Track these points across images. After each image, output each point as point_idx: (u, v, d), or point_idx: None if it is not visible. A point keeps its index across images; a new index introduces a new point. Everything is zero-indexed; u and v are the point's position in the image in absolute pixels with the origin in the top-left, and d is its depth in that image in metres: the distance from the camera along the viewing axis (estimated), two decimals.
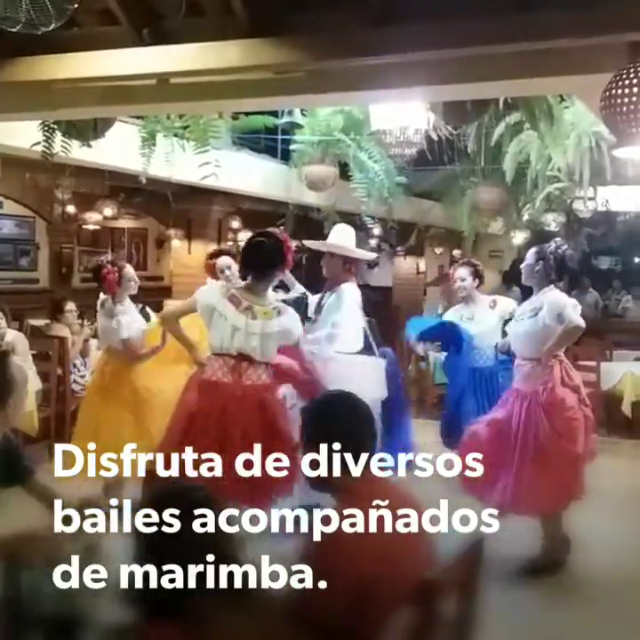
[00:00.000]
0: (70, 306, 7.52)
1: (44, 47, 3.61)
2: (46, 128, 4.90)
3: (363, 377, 4.75)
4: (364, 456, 2.15)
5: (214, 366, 4.18)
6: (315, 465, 2.15)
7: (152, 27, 3.58)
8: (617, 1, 2.85)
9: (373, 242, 12.06)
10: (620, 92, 2.40)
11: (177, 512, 1.89)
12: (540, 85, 3.78)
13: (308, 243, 5.57)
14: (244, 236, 11.78)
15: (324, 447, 2.13)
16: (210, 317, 4.16)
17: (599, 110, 2.59)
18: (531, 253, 4.67)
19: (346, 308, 5.03)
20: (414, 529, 2.11)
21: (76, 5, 3.01)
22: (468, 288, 5.88)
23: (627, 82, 2.39)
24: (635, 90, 2.36)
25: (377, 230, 10.96)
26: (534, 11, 2.96)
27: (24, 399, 2.85)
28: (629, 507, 5.90)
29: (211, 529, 1.88)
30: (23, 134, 5.25)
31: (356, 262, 5.27)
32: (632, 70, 2.41)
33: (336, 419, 2.17)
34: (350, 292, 5.08)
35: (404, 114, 5.60)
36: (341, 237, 5.25)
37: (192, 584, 1.83)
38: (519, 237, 11.37)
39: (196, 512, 1.89)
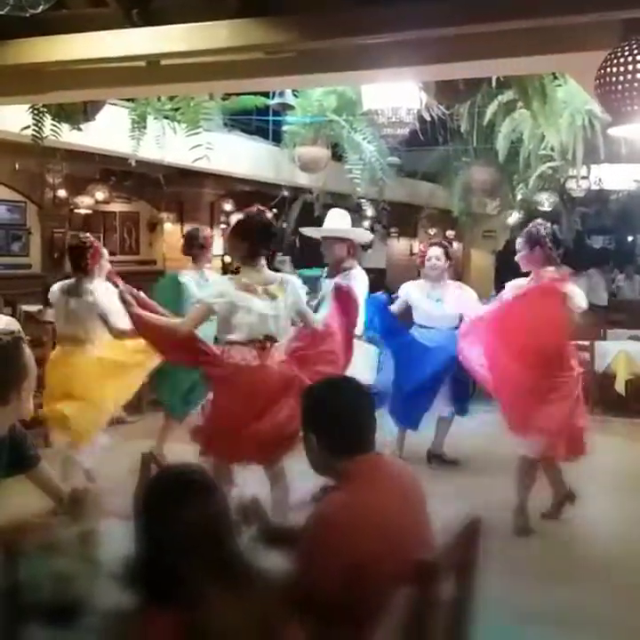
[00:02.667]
0: None
1: (32, 29, 3.56)
2: (36, 112, 4.85)
3: (356, 360, 4.79)
4: (363, 438, 2.16)
5: (243, 352, 4.21)
6: (314, 448, 2.17)
7: (141, 8, 3.53)
8: None
9: (366, 223, 12.03)
10: (614, 70, 2.38)
11: (175, 495, 1.89)
12: (533, 64, 3.74)
13: (305, 230, 5.58)
14: (236, 219, 11.76)
15: (323, 430, 2.15)
16: (231, 314, 4.21)
17: (594, 89, 2.57)
18: (522, 242, 4.93)
19: (360, 293, 5.10)
20: (412, 510, 2.12)
21: None
22: (439, 268, 6.11)
23: (622, 60, 2.37)
24: (629, 68, 2.34)
25: (370, 211, 10.93)
26: None
27: (33, 387, 2.84)
28: (624, 484, 5.94)
29: (208, 512, 1.88)
30: (12, 118, 5.20)
31: (355, 245, 5.33)
32: (627, 48, 2.39)
33: (336, 402, 2.17)
34: (362, 278, 5.25)
35: (396, 94, 5.56)
36: (338, 222, 5.29)
37: (190, 569, 1.83)
38: (513, 217, 11.36)
39: (194, 495, 1.89)
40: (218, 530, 1.88)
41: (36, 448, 2.90)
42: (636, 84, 2.33)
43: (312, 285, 5.24)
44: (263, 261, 4.35)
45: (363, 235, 5.63)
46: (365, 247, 10.49)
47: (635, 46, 2.38)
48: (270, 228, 4.41)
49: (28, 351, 2.82)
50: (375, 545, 1.96)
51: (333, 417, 2.16)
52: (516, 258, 5.07)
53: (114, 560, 1.99)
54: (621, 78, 2.35)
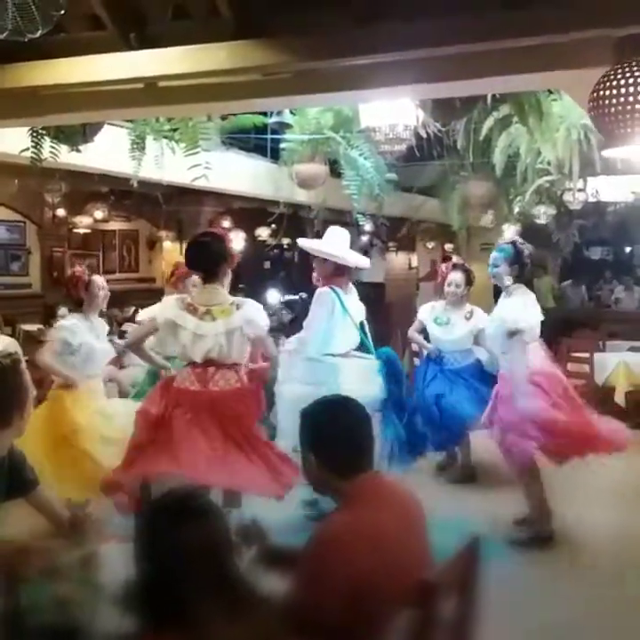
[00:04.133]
0: (63, 311, 7.50)
1: (31, 53, 3.60)
2: (35, 134, 4.88)
3: (353, 377, 4.77)
4: (362, 458, 2.16)
5: (183, 375, 4.26)
6: (313, 468, 2.17)
7: (139, 31, 3.57)
8: None
9: (365, 238, 12.06)
10: (607, 93, 2.40)
11: (175, 519, 1.90)
12: (528, 81, 3.78)
13: (302, 243, 5.57)
14: (235, 236, 11.81)
15: (322, 450, 2.15)
16: (173, 332, 4.22)
17: (588, 111, 2.60)
18: (500, 258, 5.07)
19: (315, 313, 5.10)
20: (412, 529, 2.12)
21: (63, 12, 3.01)
22: (458, 294, 6.23)
23: (614, 83, 2.40)
24: (622, 90, 2.36)
25: (368, 226, 10.97)
26: (520, 8, 2.96)
27: (31, 407, 2.85)
28: (626, 497, 5.93)
29: (208, 535, 1.88)
30: (11, 139, 5.23)
31: (348, 267, 5.28)
32: (620, 71, 2.41)
33: (334, 423, 2.18)
34: (323, 298, 5.11)
35: (392, 111, 5.60)
36: (336, 242, 5.27)
37: (190, 592, 1.83)
38: (510, 230, 11.39)
39: (194, 518, 1.90)
40: (218, 552, 1.89)
41: (34, 471, 2.90)
42: (628, 107, 2.35)
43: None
44: (219, 283, 4.31)
45: (355, 260, 5.38)
46: None
47: (627, 69, 2.41)
48: (220, 252, 4.35)
49: (27, 372, 2.83)
50: (376, 565, 1.96)
51: (332, 437, 2.15)
52: (493, 273, 5.19)
53: (115, 584, 2.00)
54: (614, 101, 2.38)
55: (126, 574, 1.94)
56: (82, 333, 4.76)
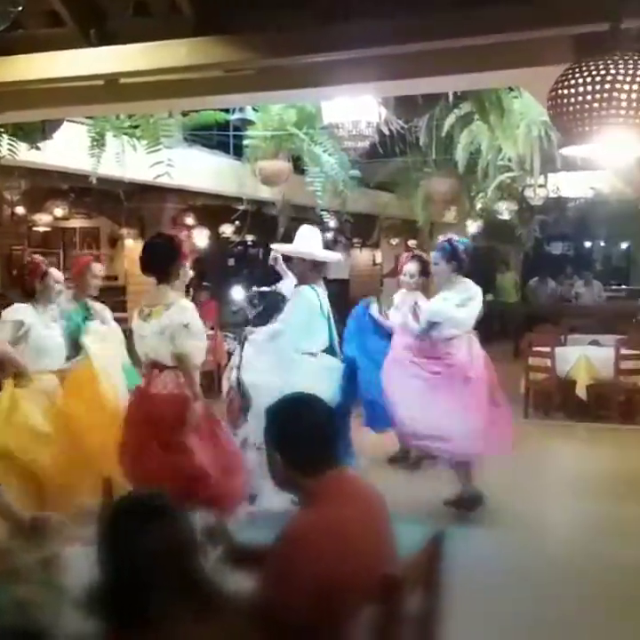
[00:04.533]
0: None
1: None
2: None
3: (315, 377, 4.78)
4: (327, 456, 2.16)
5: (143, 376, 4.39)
6: (279, 466, 2.16)
7: (99, 27, 3.54)
8: None
9: (329, 235, 12.06)
10: (565, 91, 2.43)
11: (138, 520, 1.89)
12: (488, 79, 3.82)
13: (277, 247, 5.59)
14: (199, 233, 11.75)
15: (287, 448, 2.15)
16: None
17: (547, 110, 2.63)
18: (438, 256, 5.44)
19: (296, 309, 5.13)
20: (376, 525, 2.14)
21: (20, 8, 2.97)
22: (411, 284, 6.25)
23: (572, 82, 2.42)
24: (580, 89, 2.39)
25: (332, 223, 10.98)
26: (476, 6, 2.99)
27: None
28: (586, 488, 6.03)
29: (172, 536, 1.87)
30: None
31: (323, 263, 5.33)
32: (577, 70, 2.44)
33: (299, 421, 2.17)
34: (305, 295, 5.16)
35: (355, 107, 5.61)
36: (309, 241, 5.31)
37: (155, 592, 1.82)
38: (473, 226, 11.49)
39: (157, 519, 1.89)
40: (182, 552, 1.88)
41: None
42: (586, 106, 2.38)
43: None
44: (168, 283, 4.31)
45: (333, 257, 5.57)
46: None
47: (585, 68, 2.44)
48: (167, 253, 4.37)
49: None
50: (342, 563, 1.97)
51: (297, 435, 2.15)
52: (433, 269, 5.63)
53: (78, 586, 1.98)
54: (573, 100, 2.40)
55: (89, 576, 1.92)
56: (32, 319, 4.60)
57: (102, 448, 4.41)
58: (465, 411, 5.16)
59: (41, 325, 4.66)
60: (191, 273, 4.51)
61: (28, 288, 4.72)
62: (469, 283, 5.50)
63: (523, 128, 6.21)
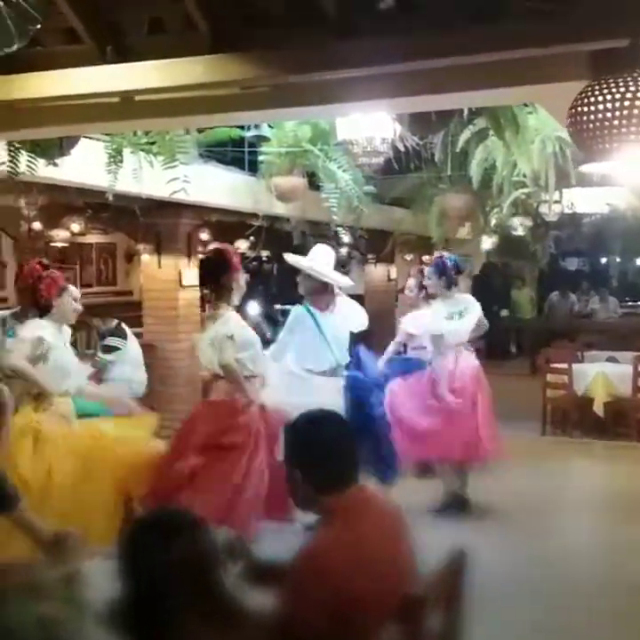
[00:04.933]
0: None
1: (6, 67, 3.57)
2: (11, 148, 4.84)
3: (318, 395, 4.77)
4: (348, 473, 2.14)
5: None
6: (297, 483, 2.14)
7: (115, 44, 3.56)
8: (572, 11, 2.88)
9: (343, 250, 12.08)
10: (585, 109, 2.42)
11: (160, 536, 1.88)
12: (504, 95, 3.81)
13: (288, 257, 5.60)
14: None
15: (308, 466, 2.12)
16: None
17: (566, 127, 2.62)
18: (431, 272, 5.95)
19: (285, 328, 5.28)
20: (397, 543, 2.11)
21: (39, 26, 3.00)
22: (413, 298, 6.69)
23: (592, 99, 2.42)
24: (600, 107, 2.38)
25: (347, 238, 11.00)
26: (492, 23, 2.99)
27: (9, 424, 2.81)
28: (603, 506, 5.97)
29: (193, 552, 1.87)
30: None
31: (330, 285, 5.35)
32: (597, 87, 2.43)
33: (319, 438, 2.15)
34: (294, 315, 5.26)
35: (369, 124, 5.64)
36: (320, 259, 5.34)
37: (177, 608, 1.81)
38: (487, 242, 11.47)
39: (180, 535, 1.89)
40: (204, 569, 1.87)
41: (15, 489, 2.86)
42: (606, 123, 2.37)
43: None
44: (219, 295, 4.49)
45: (341, 281, 5.55)
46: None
47: (605, 85, 2.43)
48: (216, 267, 4.51)
49: (6, 390, 2.79)
50: (362, 581, 1.95)
51: (317, 452, 2.12)
52: (426, 283, 6.09)
53: (100, 602, 1.97)
54: (592, 117, 2.40)
55: (111, 592, 1.92)
56: (53, 338, 4.31)
57: (121, 466, 4.15)
58: (451, 419, 5.56)
59: (60, 347, 4.37)
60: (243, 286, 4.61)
61: (44, 304, 4.41)
62: (463, 297, 6.03)
63: (537, 144, 6.21)
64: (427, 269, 6.05)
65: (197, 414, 4.43)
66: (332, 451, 2.12)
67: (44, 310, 4.42)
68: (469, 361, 5.81)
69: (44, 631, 1.93)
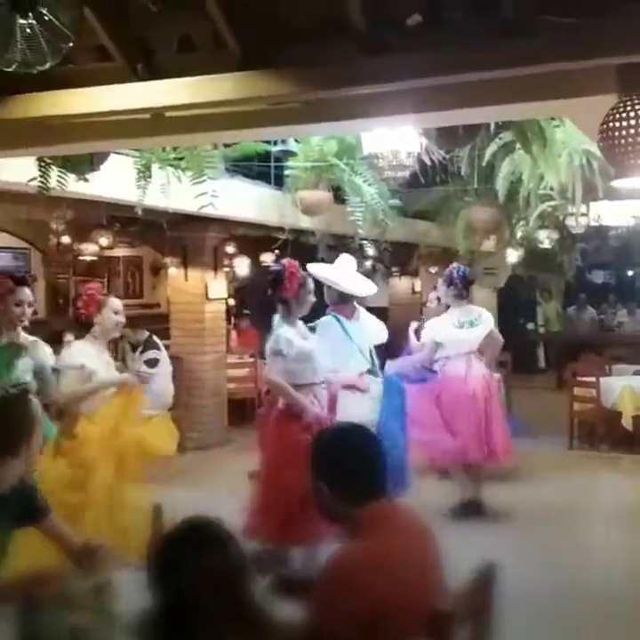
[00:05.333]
0: (69, 337, 7.48)
1: (39, 84, 3.63)
2: (42, 163, 4.92)
3: (349, 400, 4.83)
4: (375, 486, 2.14)
5: None
6: (325, 497, 2.15)
7: (146, 62, 3.61)
8: (601, 25, 2.89)
9: (368, 263, 12.09)
10: (617, 125, 2.43)
11: (191, 547, 1.90)
12: (531, 109, 3.81)
13: (311, 269, 5.63)
14: (240, 262, 11.84)
15: (335, 479, 2.13)
16: None
17: (597, 142, 2.62)
18: (440, 282, 6.35)
19: (318, 339, 5.18)
20: (425, 557, 2.11)
21: (71, 44, 3.05)
22: (433, 309, 7.13)
23: (624, 114, 2.43)
24: (632, 122, 2.39)
25: (371, 251, 11.01)
26: (521, 37, 2.99)
27: (41, 437, 2.84)
28: (631, 522, 5.90)
29: (224, 563, 1.88)
30: (18, 168, 5.27)
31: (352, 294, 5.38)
32: (629, 103, 2.44)
33: (347, 451, 2.15)
34: (324, 324, 5.29)
35: (395, 138, 5.65)
36: (341, 269, 5.41)
37: (207, 619, 1.83)
38: (513, 255, 11.44)
39: (210, 546, 1.90)
40: (234, 580, 1.88)
41: (45, 499, 2.90)
42: (638, 139, 2.38)
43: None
44: (278, 309, 4.72)
45: (367, 290, 5.66)
46: None
47: (637, 101, 2.43)
48: (273, 284, 4.67)
49: (36, 401, 2.83)
50: (390, 594, 1.95)
51: (344, 465, 2.13)
52: (439, 293, 6.50)
53: (130, 612, 1.99)
54: (624, 133, 2.41)
55: (141, 602, 1.93)
56: (94, 363, 4.17)
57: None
58: (462, 423, 5.83)
59: (102, 368, 4.24)
60: (303, 301, 4.73)
61: (85, 321, 4.25)
62: (477, 308, 6.28)
63: (565, 157, 6.20)
64: (440, 280, 6.41)
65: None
66: (357, 463, 2.12)
67: (85, 328, 4.28)
68: (479, 368, 6.08)
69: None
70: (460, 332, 6.04)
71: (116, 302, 4.39)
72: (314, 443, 2.23)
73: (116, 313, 4.33)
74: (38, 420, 2.74)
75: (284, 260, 4.83)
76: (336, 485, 2.12)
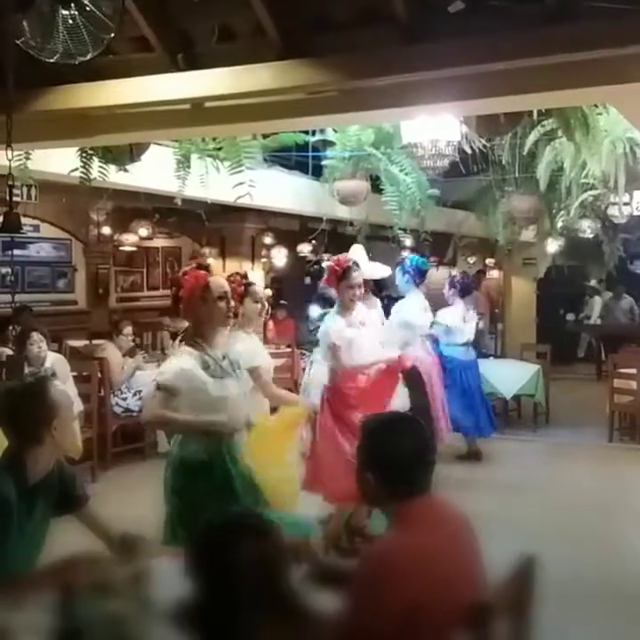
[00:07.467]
0: (128, 329, 7.55)
1: (80, 75, 3.66)
2: (84, 154, 4.96)
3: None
4: (421, 479, 2.11)
5: None
6: (371, 486, 2.12)
7: (186, 52, 3.63)
8: None
9: (405, 253, 12.02)
10: None
11: (229, 537, 1.91)
12: (574, 96, 3.75)
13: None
14: (277, 253, 11.85)
15: (381, 469, 2.10)
16: None
17: None
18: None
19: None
20: (466, 552, 2.10)
21: (112, 35, 3.07)
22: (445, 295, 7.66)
23: None
24: None
25: (409, 242, 10.93)
26: (564, 23, 2.95)
27: (70, 423, 2.85)
28: None
29: (263, 553, 1.88)
30: (58, 160, 5.32)
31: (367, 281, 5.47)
32: None
33: (395, 441, 2.12)
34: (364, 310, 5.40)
35: (435, 127, 5.60)
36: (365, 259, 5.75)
37: (244, 609, 1.83)
38: (553, 245, 11.29)
39: (248, 536, 1.90)
40: (272, 570, 1.89)
41: (84, 487, 2.92)
42: None
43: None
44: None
45: (380, 272, 6.18)
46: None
47: None
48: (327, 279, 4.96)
49: (59, 389, 2.83)
50: (429, 587, 1.93)
51: (393, 456, 2.09)
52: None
53: (168, 601, 2.00)
54: None
55: (179, 592, 1.94)
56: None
57: None
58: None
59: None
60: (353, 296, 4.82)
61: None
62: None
63: (607, 145, 6.08)
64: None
65: None
66: (405, 455, 2.09)
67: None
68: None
69: (114, 629, 1.97)
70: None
71: (258, 289, 4.32)
72: (364, 429, 2.19)
73: (256, 301, 4.26)
74: (62, 406, 2.73)
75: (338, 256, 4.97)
76: (381, 475, 2.08)
